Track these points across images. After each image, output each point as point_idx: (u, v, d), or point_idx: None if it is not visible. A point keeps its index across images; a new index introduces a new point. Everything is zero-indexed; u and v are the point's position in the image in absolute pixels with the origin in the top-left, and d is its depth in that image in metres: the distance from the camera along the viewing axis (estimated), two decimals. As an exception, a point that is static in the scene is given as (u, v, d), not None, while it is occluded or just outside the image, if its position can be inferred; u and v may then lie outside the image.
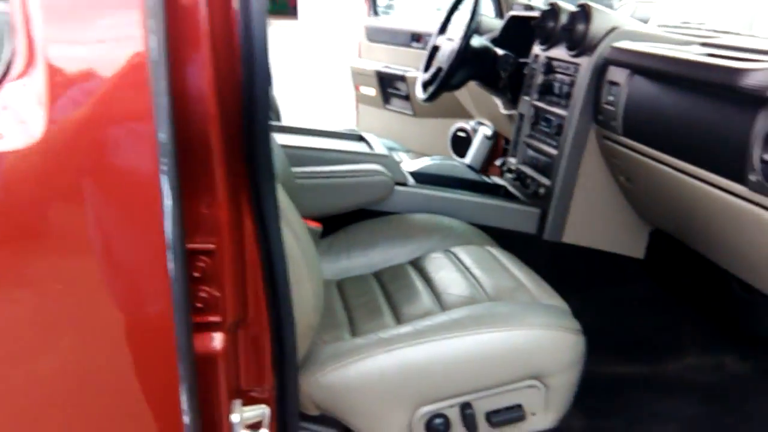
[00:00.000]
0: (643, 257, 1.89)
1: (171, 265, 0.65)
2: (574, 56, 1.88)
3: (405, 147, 2.91)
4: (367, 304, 1.39)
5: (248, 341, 0.87)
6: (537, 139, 2.03)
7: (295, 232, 1.02)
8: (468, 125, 2.27)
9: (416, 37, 3.25)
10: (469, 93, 2.91)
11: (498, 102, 2.46)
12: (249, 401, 0.89)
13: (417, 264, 1.55)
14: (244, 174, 0.82)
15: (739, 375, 1.79)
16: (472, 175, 2.01)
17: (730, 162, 1.27)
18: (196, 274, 0.76)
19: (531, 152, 2.06)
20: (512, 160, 2.15)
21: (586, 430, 1.59)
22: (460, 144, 2.78)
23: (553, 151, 1.89)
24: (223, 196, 0.77)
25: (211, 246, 0.76)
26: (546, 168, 1.93)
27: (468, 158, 2.02)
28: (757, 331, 1.78)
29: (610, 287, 1.90)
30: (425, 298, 1.37)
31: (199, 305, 0.77)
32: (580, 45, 1.84)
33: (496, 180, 2.11)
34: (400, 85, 3.30)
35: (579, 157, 1.82)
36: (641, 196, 1.75)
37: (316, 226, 1.65)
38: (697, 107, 1.40)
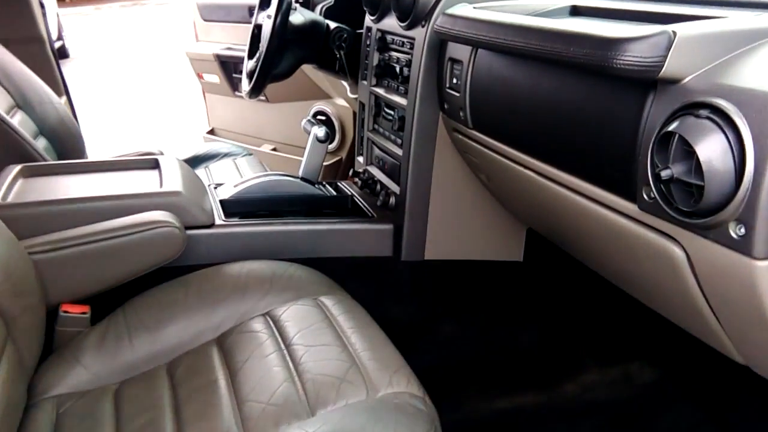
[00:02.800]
0: (521, 259, 1.58)
1: None
2: (407, 28, 1.49)
3: (246, 147, 2.50)
4: (146, 427, 0.99)
5: None
6: (381, 135, 1.65)
7: None
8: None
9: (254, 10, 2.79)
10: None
11: (346, 85, 2.05)
12: None
13: (224, 344, 1.15)
14: None
15: (647, 384, 1.52)
16: (308, 190, 1.60)
17: (610, 170, 0.93)
18: None
19: (377, 150, 1.67)
20: (360, 160, 1.77)
21: None
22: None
23: (399, 151, 1.51)
24: None
25: None
26: (394, 171, 1.55)
27: (300, 170, 1.60)
28: (663, 329, 1.50)
29: (488, 303, 1.57)
30: (223, 410, 0.98)
31: None
32: (411, 13, 1.45)
33: (344, 187, 1.72)
34: (245, 68, 2.84)
35: (430, 157, 1.45)
36: (506, 196, 1.41)
37: (81, 311, 1.21)
38: (561, 92, 1.04)
